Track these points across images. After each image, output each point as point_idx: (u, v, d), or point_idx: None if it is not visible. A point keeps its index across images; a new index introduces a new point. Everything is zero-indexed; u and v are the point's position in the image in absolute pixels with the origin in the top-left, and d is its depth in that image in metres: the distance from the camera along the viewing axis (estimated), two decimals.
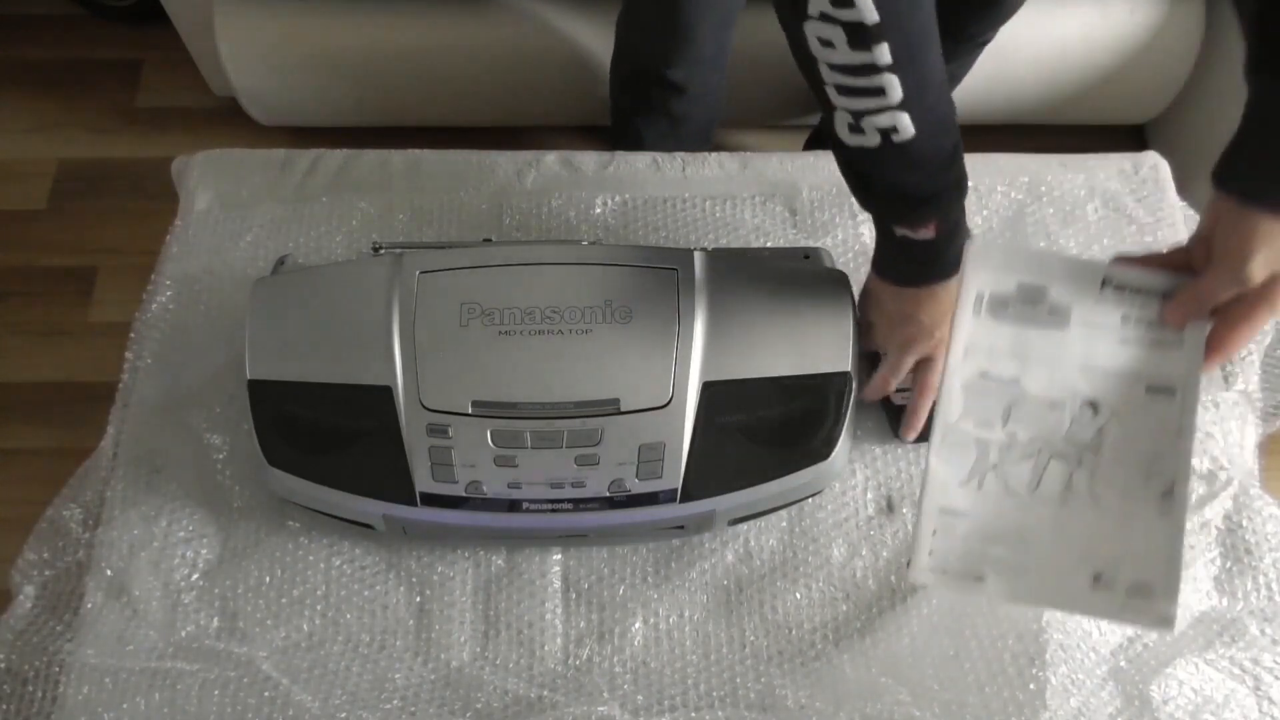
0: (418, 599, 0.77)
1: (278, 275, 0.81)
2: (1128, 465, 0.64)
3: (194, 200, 0.94)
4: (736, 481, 0.72)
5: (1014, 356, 0.66)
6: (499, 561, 0.79)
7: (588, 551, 0.79)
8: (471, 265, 0.77)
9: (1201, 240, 0.63)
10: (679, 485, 0.71)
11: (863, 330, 0.78)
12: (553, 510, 0.71)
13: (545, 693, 0.73)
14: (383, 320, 0.74)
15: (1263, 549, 0.79)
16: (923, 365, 0.77)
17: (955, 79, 1.22)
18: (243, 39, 1.35)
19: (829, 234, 0.93)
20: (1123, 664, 0.75)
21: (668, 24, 1.11)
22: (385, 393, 0.72)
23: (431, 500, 0.71)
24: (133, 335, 0.87)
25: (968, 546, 0.65)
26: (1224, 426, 0.83)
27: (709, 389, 0.73)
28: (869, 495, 0.81)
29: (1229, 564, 0.79)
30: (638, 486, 0.71)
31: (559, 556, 0.79)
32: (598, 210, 0.94)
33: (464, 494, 0.71)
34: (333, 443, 0.73)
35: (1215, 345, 0.63)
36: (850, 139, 0.65)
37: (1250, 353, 0.87)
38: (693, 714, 0.73)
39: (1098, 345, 0.65)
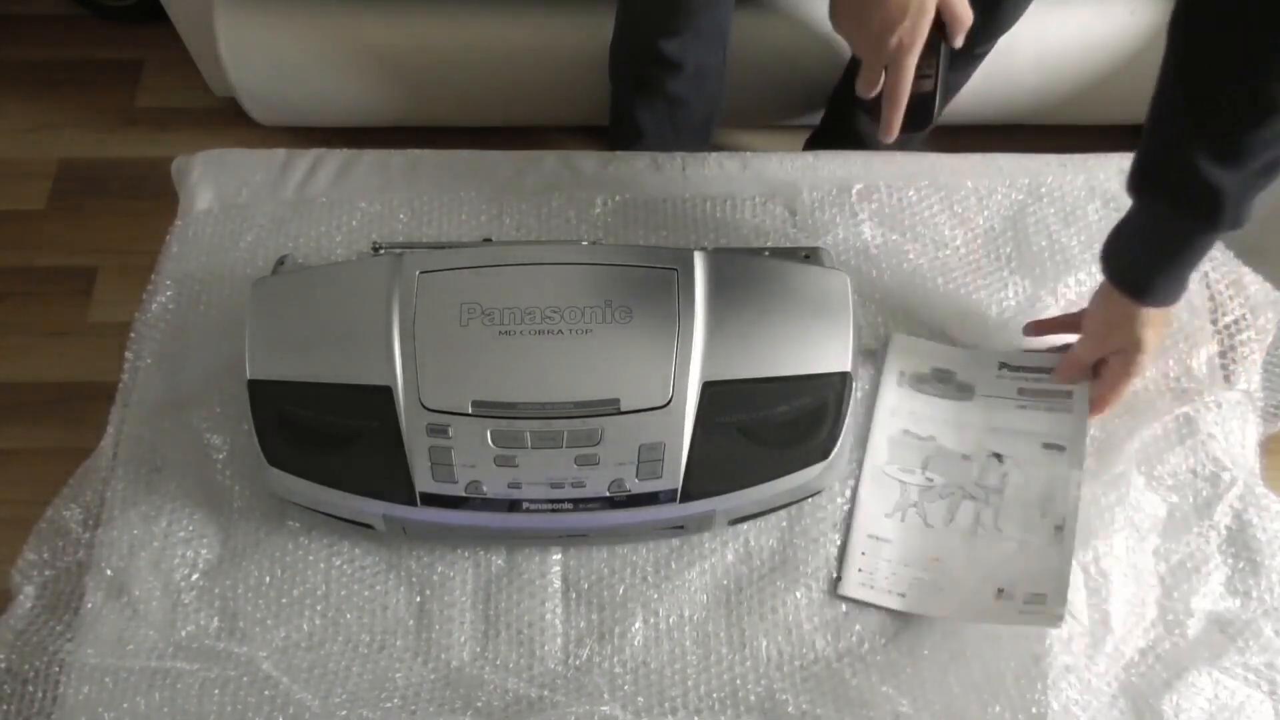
0: (418, 599, 0.77)
1: (278, 275, 0.81)
2: (1026, 505, 0.78)
3: (194, 200, 0.94)
4: (736, 481, 0.72)
5: (931, 420, 0.82)
6: (499, 561, 0.79)
7: (588, 551, 0.79)
8: (471, 265, 0.77)
9: (1081, 312, 0.80)
10: (679, 485, 0.71)
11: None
12: (553, 510, 0.71)
13: (545, 692, 0.73)
14: (383, 320, 0.74)
15: (1274, 547, 0.79)
16: (890, 67, 0.75)
17: (952, 91, 1.22)
18: (243, 39, 1.35)
19: (829, 234, 0.93)
20: (1133, 679, 0.74)
21: None
22: (385, 393, 0.72)
23: (431, 500, 0.71)
24: (133, 335, 0.87)
25: (891, 569, 0.77)
26: (1226, 427, 0.83)
27: (709, 389, 0.73)
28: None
29: (1241, 564, 0.78)
30: (638, 486, 0.71)
31: (559, 556, 0.79)
32: (598, 210, 0.94)
33: (464, 494, 0.71)
34: (333, 443, 0.73)
35: (1096, 403, 0.81)
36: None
37: (1253, 352, 0.87)
38: (694, 716, 0.73)
39: (999, 412, 0.82)
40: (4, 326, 1.41)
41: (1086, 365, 0.81)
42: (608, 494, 0.71)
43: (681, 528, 0.76)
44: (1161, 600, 0.77)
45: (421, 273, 0.76)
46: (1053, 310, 0.88)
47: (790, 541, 0.79)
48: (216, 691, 0.72)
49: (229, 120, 1.53)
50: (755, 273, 0.78)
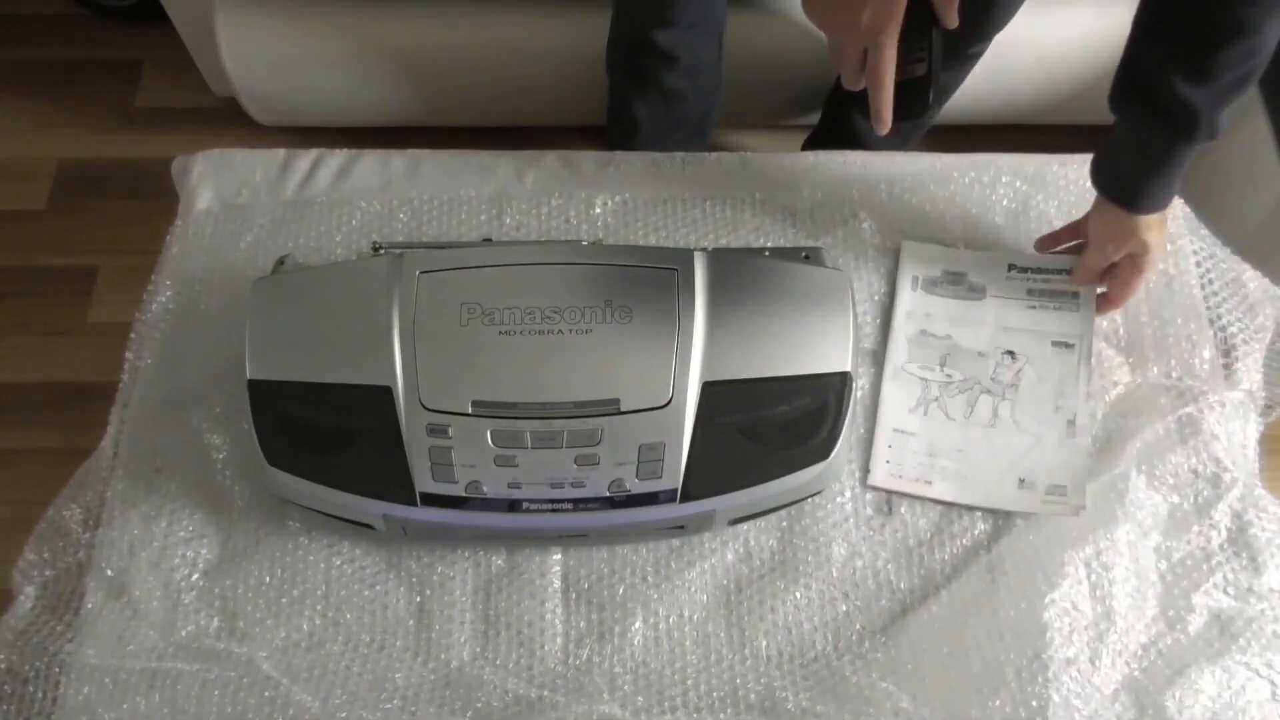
0: (418, 599, 0.77)
1: (278, 275, 0.81)
2: (1040, 400, 0.83)
3: (194, 200, 0.94)
4: (736, 481, 0.72)
5: (946, 319, 0.87)
6: (499, 561, 0.79)
7: (588, 551, 0.79)
8: (471, 265, 0.77)
9: (1085, 219, 0.85)
10: (679, 485, 0.71)
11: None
12: (553, 510, 0.71)
13: (545, 693, 0.73)
14: (383, 320, 0.74)
15: (1274, 547, 0.79)
16: (869, 49, 0.74)
17: (948, 92, 1.22)
18: (243, 39, 1.35)
19: (829, 234, 0.93)
20: (1135, 674, 0.74)
21: None
22: (385, 393, 0.72)
23: (431, 500, 0.71)
24: (133, 335, 0.87)
25: (918, 459, 0.82)
26: (1228, 427, 0.83)
27: (709, 389, 0.73)
28: (869, 495, 0.81)
29: (1242, 563, 0.78)
30: (638, 486, 0.71)
31: (559, 556, 0.79)
32: (598, 210, 0.94)
33: (464, 494, 0.71)
34: (333, 443, 0.73)
35: (1112, 300, 0.86)
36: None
37: (1254, 350, 0.87)
38: (694, 715, 0.73)
39: (1010, 311, 0.87)
40: (4, 326, 1.42)
41: (1098, 272, 0.85)
42: (608, 494, 0.71)
43: (681, 528, 0.76)
44: (1163, 596, 0.77)
45: (421, 273, 0.76)
46: None
47: (790, 541, 0.79)
48: (216, 692, 0.72)
49: (229, 120, 1.53)
50: (755, 273, 0.78)
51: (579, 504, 0.71)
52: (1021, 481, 0.80)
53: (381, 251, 0.83)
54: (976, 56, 1.16)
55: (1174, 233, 0.91)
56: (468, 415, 0.71)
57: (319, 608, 0.76)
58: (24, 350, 1.40)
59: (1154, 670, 0.75)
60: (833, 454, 0.74)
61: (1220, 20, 0.68)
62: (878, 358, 0.86)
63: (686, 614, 0.77)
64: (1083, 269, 0.85)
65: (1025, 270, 0.88)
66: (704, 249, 0.81)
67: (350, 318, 0.75)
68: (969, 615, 0.76)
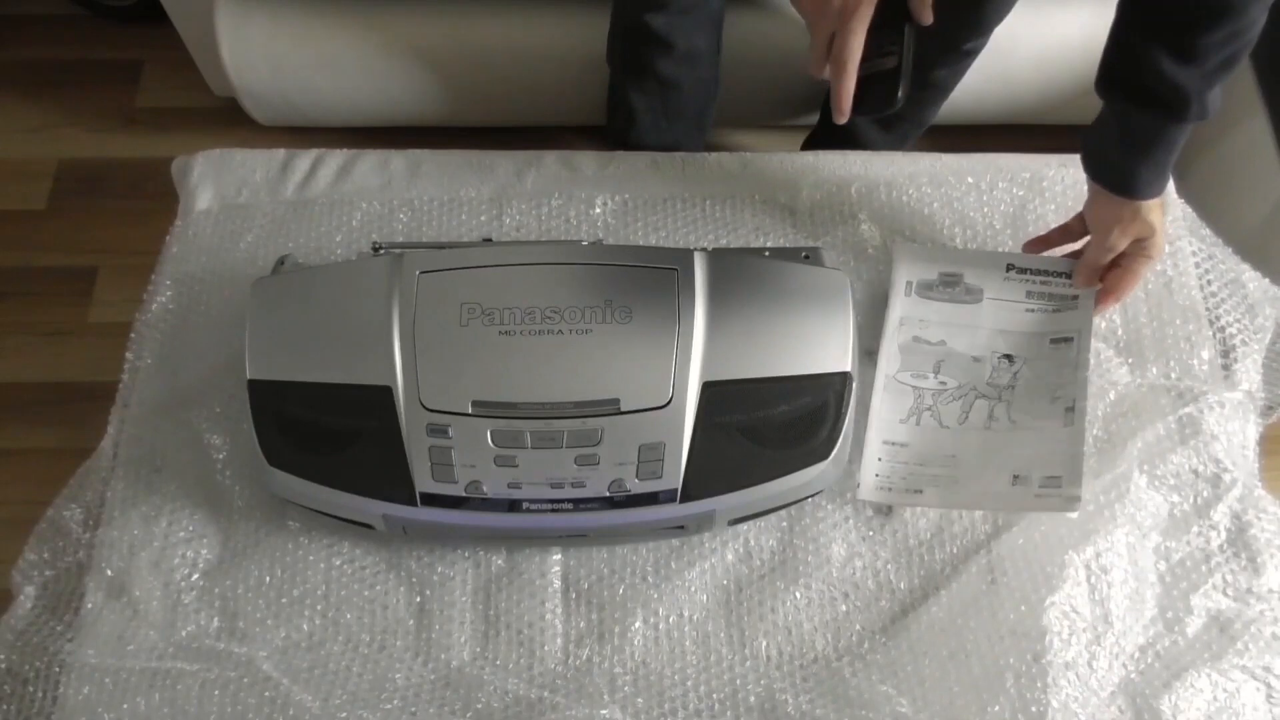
0: (418, 599, 0.77)
1: (278, 275, 0.81)
2: (1037, 395, 0.80)
3: (194, 200, 0.94)
4: (736, 481, 0.72)
5: (941, 325, 0.84)
6: (499, 561, 0.79)
7: (588, 551, 0.79)
8: (471, 265, 0.77)
9: (1080, 214, 0.84)
10: (679, 485, 0.71)
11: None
12: (553, 510, 0.71)
13: (545, 694, 0.73)
14: (383, 320, 0.74)
15: (1274, 548, 0.79)
16: (836, 33, 0.75)
17: (947, 89, 1.22)
18: (243, 39, 1.35)
19: (829, 234, 0.93)
20: (1133, 677, 0.74)
21: None
22: (385, 393, 0.72)
23: (431, 500, 0.71)
24: (133, 335, 0.87)
25: (909, 469, 0.79)
26: (1228, 428, 0.83)
27: (709, 389, 0.73)
28: None
29: (1241, 564, 0.78)
30: (638, 486, 0.71)
31: (559, 556, 0.79)
32: (598, 210, 0.94)
33: (464, 494, 0.71)
34: (333, 443, 0.73)
35: (1109, 292, 0.83)
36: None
37: (1253, 351, 0.87)
38: (693, 716, 0.73)
39: (1007, 315, 0.84)
40: (4, 326, 1.41)
41: (1102, 266, 0.83)
42: (608, 494, 0.71)
43: (682, 528, 0.76)
44: (1162, 598, 0.77)
45: (421, 273, 0.76)
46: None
47: (790, 541, 0.79)
48: (217, 693, 0.72)
49: (229, 120, 1.52)
50: (755, 273, 0.78)
51: (579, 504, 0.71)
52: (1016, 478, 0.77)
53: (381, 251, 0.83)
54: (974, 52, 1.15)
55: (1174, 234, 0.91)
56: (468, 415, 0.71)
57: (319, 608, 0.76)
58: (24, 350, 1.40)
59: (1151, 673, 0.75)
60: (833, 454, 0.74)
61: (1204, 2, 0.68)
62: (876, 359, 0.85)
63: (686, 614, 0.77)
64: (1086, 267, 0.83)
65: (1025, 271, 0.85)
66: (704, 249, 0.81)
67: (350, 318, 0.75)
68: (969, 617, 0.76)
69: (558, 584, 0.78)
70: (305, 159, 0.97)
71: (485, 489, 0.71)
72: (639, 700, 0.73)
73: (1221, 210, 0.96)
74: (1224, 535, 0.80)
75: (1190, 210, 0.93)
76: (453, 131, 1.47)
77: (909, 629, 0.76)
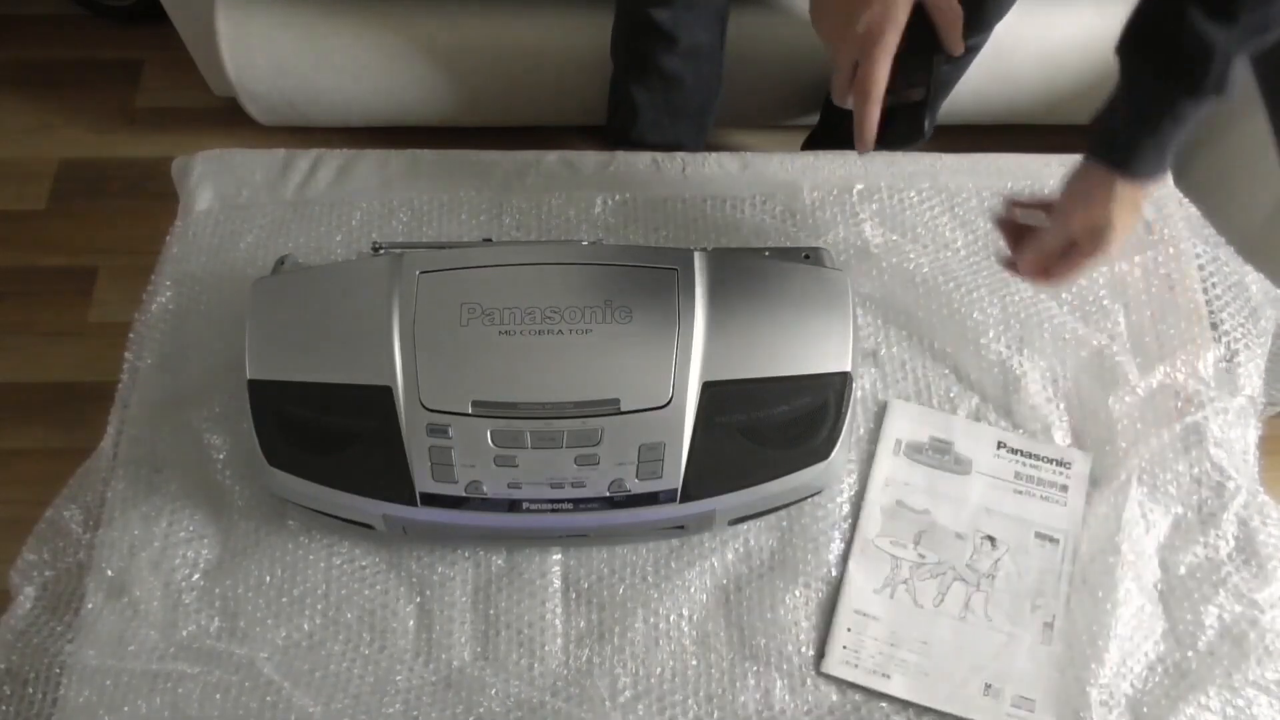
0: (418, 599, 0.77)
1: (278, 275, 0.81)
2: (1017, 595, 0.77)
3: (194, 200, 0.94)
4: (736, 481, 0.72)
5: (926, 492, 0.81)
6: (499, 561, 0.78)
7: (588, 551, 0.79)
8: (471, 265, 0.77)
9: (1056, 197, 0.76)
10: (679, 485, 0.71)
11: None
12: (553, 510, 0.71)
13: (547, 697, 0.73)
14: (383, 320, 0.74)
15: None
16: (860, 60, 0.71)
17: (949, 86, 1.22)
18: (243, 39, 1.35)
19: (829, 234, 0.93)
20: (1140, 695, 0.73)
21: None
22: (385, 393, 0.72)
23: (431, 500, 0.71)
24: (133, 335, 0.87)
25: (878, 647, 0.75)
26: (1229, 434, 0.83)
27: (709, 389, 0.73)
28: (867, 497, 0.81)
29: (1249, 574, 0.78)
30: (638, 486, 0.71)
31: (559, 556, 0.79)
32: (598, 210, 0.94)
33: (464, 494, 0.71)
34: (333, 443, 0.73)
35: (1054, 272, 0.75)
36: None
37: (1255, 354, 0.86)
38: (693, 716, 0.73)
39: (995, 493, 0.81)
40: (4, 326, 1.41)
41: (1053, 251, 0.76)
42: (608, 494, 0.71)
43: (681, 528, 0.76)
44: (1168, 612, 0.77)
45: (421, 273, 0.76)
46: (1056, 315, 0.88)
47: (790, 541, 0.79)
48: (218, 696, 0.72)
49: (229, 120, 1.52)
50: (755, 273, 0.78)
51: (579, 504, 0.71)
52: (988, 687, 0.73)
53: (381, 251, 0.83)
54: (975, 49, 1.15)
55: (1175, 235, 0.91)
56: (468, 415, 0.71)
57: (319, 608, 0.76)
58: (24, 350, 1.40)
59: (1159, 690, 0.74)
60: (833, 454, 0.73)
61: None
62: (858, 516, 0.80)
63: (686, 614, 0.77)
64: (1036, 247, 0.76)
65: (1015, 451, 0.82)
66: (704, 249, 0.81)
67: (350, 318, 0.75)
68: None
69: (558, 584, 0.78)
70: (305, 159, 0.97)
71: (485, 489, 0.71)
72: (639, 702, 0.73)
73: (1221, 210, 0.95)
74: (1230, 544, 0.78)
75: (1194, 211, 0.92)
76: (453, 131, 1.47)
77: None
